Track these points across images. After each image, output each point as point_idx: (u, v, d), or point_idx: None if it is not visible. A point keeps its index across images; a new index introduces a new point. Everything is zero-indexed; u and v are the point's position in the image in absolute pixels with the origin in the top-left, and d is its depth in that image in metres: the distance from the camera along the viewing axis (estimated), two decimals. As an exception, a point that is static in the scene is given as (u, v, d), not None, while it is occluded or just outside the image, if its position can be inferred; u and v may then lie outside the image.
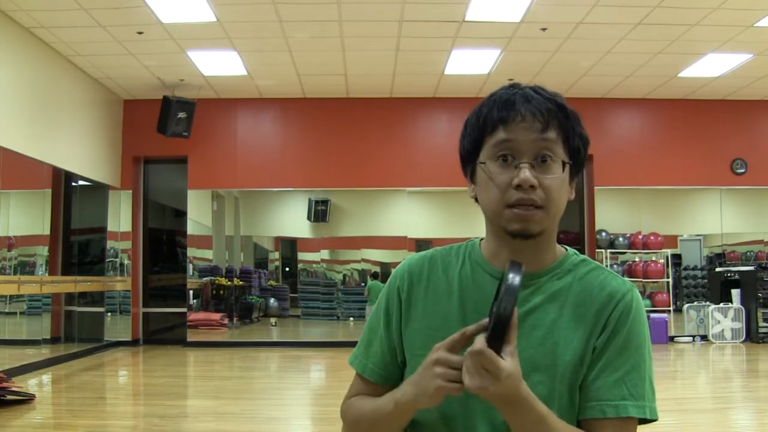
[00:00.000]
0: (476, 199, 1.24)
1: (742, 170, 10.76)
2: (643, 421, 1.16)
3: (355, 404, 1.29)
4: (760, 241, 11.24)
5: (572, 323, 1.16)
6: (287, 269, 12.24)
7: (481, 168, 1.18)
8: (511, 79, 9.85)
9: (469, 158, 1.22)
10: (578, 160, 1.21)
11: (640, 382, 1.14)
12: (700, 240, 11.45)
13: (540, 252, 1.21)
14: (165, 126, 9.50)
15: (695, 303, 10.63)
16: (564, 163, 1.16)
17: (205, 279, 11.23)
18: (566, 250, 1.26)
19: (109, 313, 10.38)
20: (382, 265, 11.43)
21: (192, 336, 10.52)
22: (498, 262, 1.22)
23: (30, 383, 6.95)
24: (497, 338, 1.02)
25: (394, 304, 1.29)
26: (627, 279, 1.23)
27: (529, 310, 1.18)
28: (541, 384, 1.14)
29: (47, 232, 8.63)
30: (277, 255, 12.32)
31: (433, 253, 1.31)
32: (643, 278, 10.78)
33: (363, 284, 11.51)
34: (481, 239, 1.29)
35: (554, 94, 1.20)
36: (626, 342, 1.15)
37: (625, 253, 10.95)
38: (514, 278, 1.03)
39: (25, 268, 8.39)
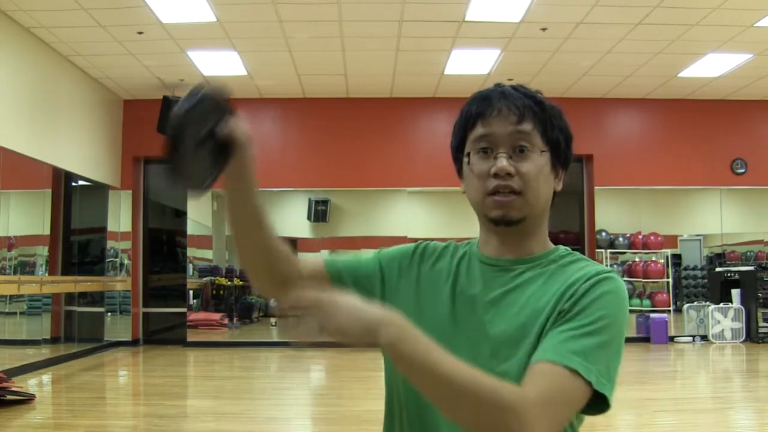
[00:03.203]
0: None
1: (742, 170, 10.76)
2: (595, 407, 1.09)
3: None
4: (760, 241, 11.24)
5: (545, 296, 1.17)
6: (287, 269, 12.24)
7: (464, 162, 1.24)
8: (510, 79, 9.88)
9: (457, 156, 1.28)
10: (559, 151, 1.24)
11: (599, 349, 1.08)
12: (700, 240, 11.45)
13: (526, 241, 1.24)
14: (165, 126, 9.48)
15: (695, 303, 10.63)
16: (542, 152, 1.21)
17: (205, 279, 11.23)
18: (557, 246, 1.28)
19: (109, 313, 10.38)
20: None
21: (192, 336, 10.52)
22: (487, 250, 1.27)
23: (30, 383, 6.95)
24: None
25: (403, 258, 1.33)
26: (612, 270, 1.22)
27: (508, 290, 1.21)
28: (513, 357, 1.14)
29: (47, 232, 8.63)
30: (277, 255, 12.32)
31: (450, 243, 1.36)
32: (643, 278, 10.78)
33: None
34: None
35: (532, 91, 1.25)
36: (592, 308, 1.11)
37: (625, 253, 10.95)
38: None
39: (25, 268, 8.40)
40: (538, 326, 1.14)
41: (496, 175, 1.18)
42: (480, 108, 1.22)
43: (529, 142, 1.20)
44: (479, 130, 1.21)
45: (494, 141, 1.20)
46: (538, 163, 1.20)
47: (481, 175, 1.20)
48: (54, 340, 8.81)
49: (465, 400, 0.99)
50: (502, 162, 1.18)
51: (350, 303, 1.01)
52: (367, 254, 1.37)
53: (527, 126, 1.20)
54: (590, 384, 1.05)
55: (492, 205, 1.20)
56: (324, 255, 11.66)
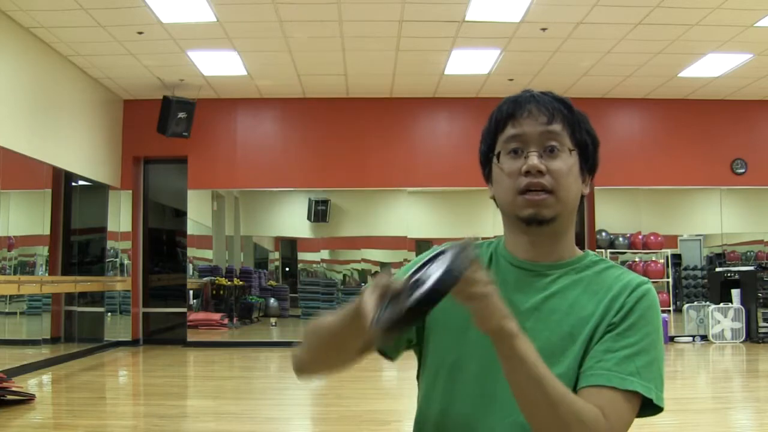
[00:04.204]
0: (494, 199, 1.30)
1: (742, 170, 10.76)
2: (649, 409, 1.16)
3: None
4: (760, 241, 11.24)
5: (590, 306, 1.20)
6: (287, 269, 12.24)
7: (495, 163, 1.26)
8: (511, 79, 9.81)
9: (486, 160, 1.30)
10: (587, 154, 1.27)
11: (651, 366, 1.15)
12: (700, 240, 11.45)
13: (557, 243, 1.26)
14: (165, 126, 9.50)
15: (695, 303, 10.63)
16: (571, 151, 1.24)
17: (205, 279, 11.23)
18: (585, 251, 1.31)
19: (109, 313, 10.38)
20: (382, 265, 11.43)
21: (192, 336, 10.51)
22: (518, 252, 1.28)
23: (30, 383, 6.95)
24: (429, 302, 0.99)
25: None
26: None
27: (548, 296, 1.23)
28: (559, 365, 1.16)
29: (47, 232, 8.63)
30: (277, 255, 12.33)
31: None
32: (643, 278, 10.76)
33: (363, 284, 11.51)
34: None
35: (561, 96, 1.29)
36: (639, 324, 1.17)
37: (625, 253, 10.95)
38: (466, 250, 1.02)
39: (25, 268, 8.39)
40: (585, 335, 1.18)
41: (527, 173, 1.20)
42: (511, 109, 1.25)
43: (559, 142, 1.22)
44: (510, 130, 1.24)
45: (525, 140, 1.22)
46: (568, 162, 1.23)
47: (512, 174, 1.22)
48: (54, 340, 8.81)
49: (554, 408, 1.07)
50: (534, 160, 1.20)
51: (498, 297, 1.07)
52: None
53: (557, 126, 1.23)
54: (648, 398, 1.14)
55: (523, 203, 1.21)
56: (324, 253, 11.66)
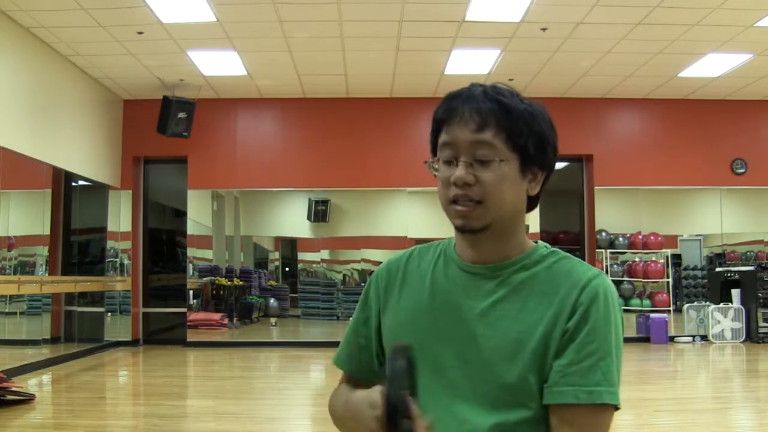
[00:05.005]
0: None
1: (742, 170, 10.76)
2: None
3: (334, 397, 1.41)
4: (760, 241, 11.24)
5: (538, 309, 1.17)
6: (287, 269, 12.24)
7: (433, 169, 1.24)
8: (511, 79, 9.81)
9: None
10: (528, 156, 1.19)
11: (613, 369, 1.14)
12: (700, 240, 11.45)
13: (500, 244, 1.23)
14: (165, 126, 9.50)
15: (695, 303, 10.63)
16: (501, 161, 1.17)
17: (205, 279, 11.23)
18: (536, 243, 1.27)
19: (109, 313, 10.38)
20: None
21: (192, 336, 10.51)
22: (466, 255, 1.25)
23: (30, 383, 6.95)
24: (391, 424, 1.06)
25: (372, 300, 1.35)
26: (596, 268, 1.22)
27: (495, 301, 1.20)
28: (509, 372, 1.15)
29: (47, 232, 8.63)
30: (277, 255, 12.33)
31: (412, 250, 1.36)
32: (643, 278, 10.78)
33: (363, 284, 11.50)
34: None
35: (505, 93, 1.20)
36: (599, 327, 1.14)
37: (625, 253, 10.95)
38: (397, 361, 1.08)
39: (25, 268, 8.39)
40: (535, 343, 1.15)
41: (455, 184, 1.18)
42: (444, 114, 1.22)
43: (490, 151, 1.17)
44: (444, 136, 1.22)
45: (456, 149, 1.19)
46: (499, 172, 1.17)
47: (445, 182, 1.20)
48: (54, 340, 8.81)
49: None
50: (461, 171, 1.17)
51: None
52: (352, 323, 1.39)
53: (488, 134, 1.17)
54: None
55: (453, 214, 1.20)
56: (324, 253, 11.65)
